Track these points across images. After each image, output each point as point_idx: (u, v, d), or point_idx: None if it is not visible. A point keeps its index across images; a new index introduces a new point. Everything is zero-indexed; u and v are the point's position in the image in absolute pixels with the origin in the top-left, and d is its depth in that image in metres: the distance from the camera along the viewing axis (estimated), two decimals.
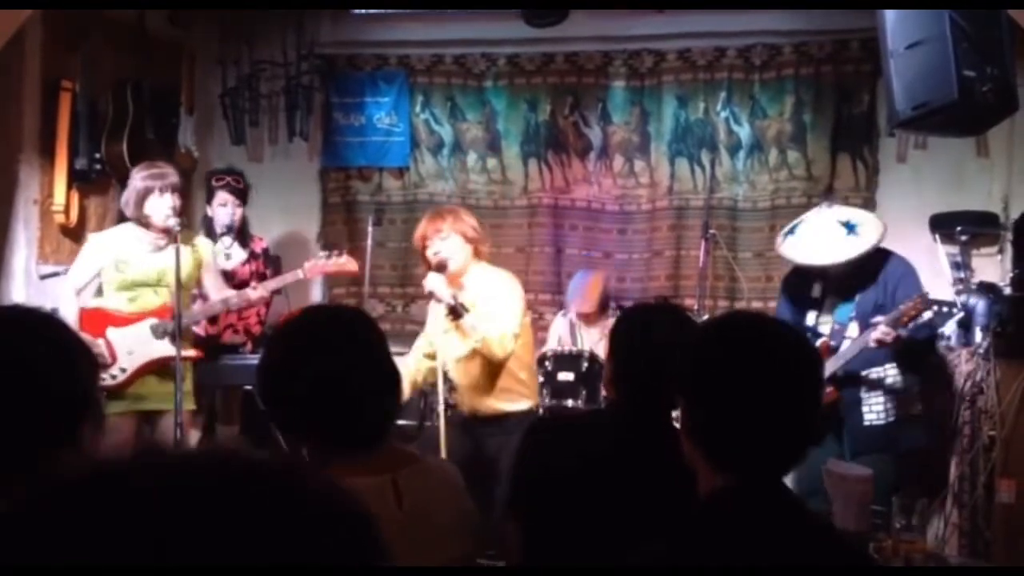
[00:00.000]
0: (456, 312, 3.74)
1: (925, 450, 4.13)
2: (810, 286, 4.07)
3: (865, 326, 3.82)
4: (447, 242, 3.85)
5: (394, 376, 1.77)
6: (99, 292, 4.00)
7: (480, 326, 3.75)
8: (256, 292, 4.11)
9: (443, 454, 3.65)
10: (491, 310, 3.78)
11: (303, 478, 0.59)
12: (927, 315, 3.71)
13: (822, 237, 3.95)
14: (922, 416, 4.05)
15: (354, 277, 4.83)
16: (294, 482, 0.58)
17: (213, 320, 4.59)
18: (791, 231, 4.13)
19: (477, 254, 3.93)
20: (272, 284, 4.17)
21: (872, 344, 3.70)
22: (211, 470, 0.56)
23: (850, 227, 3.93)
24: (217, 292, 4.17)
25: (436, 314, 3.90)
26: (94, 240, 4.09)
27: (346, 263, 4.07)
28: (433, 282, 3.78)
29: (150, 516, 0.52)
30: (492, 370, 3.84)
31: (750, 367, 1.40)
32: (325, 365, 1.64)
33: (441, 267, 3.81)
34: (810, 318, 4.03)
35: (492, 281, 3.91)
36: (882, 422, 3.88)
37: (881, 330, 3.69)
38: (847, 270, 3.93)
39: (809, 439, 1.43)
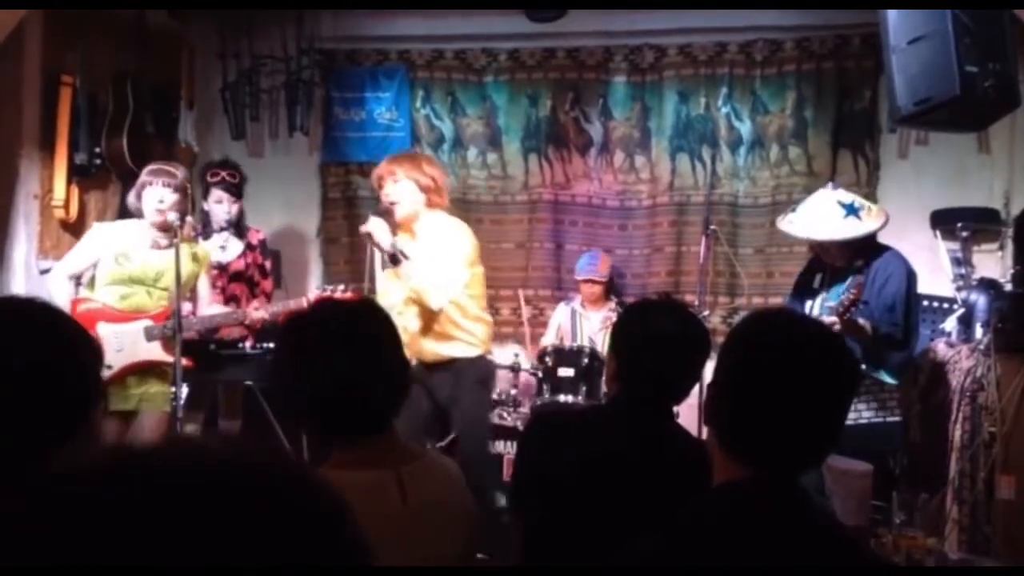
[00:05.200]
0: (395, 259, 3.73)
1: (894, 451, 4.07)
2: (814, 277, 4.13)
3: None
4: (399, 186, 3.84)
5: (400, 369, 1.77)
6: (90, 284, 3.92)
7: (416, 275, 3.73)
8: (258, 312, 4.06)
9: None
10: (433, 260, 3.76)
11: (272, 474, 0.58)
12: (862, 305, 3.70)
13: (819, 215, 4.01)
14: (899, 423, 3.96)
15: (354, 273, 4.81)
16: (262, 479, 0.57)
17: None
18: (793, 210, 4.21)
19: (431, 204, 3.90)
20: (275, 308, 4.15)
21: None
22: (181, 469, 0.56)
23: (852, 209, 3.96)
24: (208, 299, 4.16)
25: (379, 258, 3.89)
26: (98, 229, 4.01)
27: (350, 298, 4.07)
28: (373, 225, 3.77)
29: (117, 520, 0.52)
30: (431, 316, 3.82)
31: (784, 363, 1.39)
32: (330, 358, 1.65)
33: (388, 211, 3.82)
34: (807, 307, 4.08)
35: (441, 231, 3.87)
36: (852, 423, 3.83)
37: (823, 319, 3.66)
38: (846, 257, 3.96)
39: (831, 443, 1.42)
